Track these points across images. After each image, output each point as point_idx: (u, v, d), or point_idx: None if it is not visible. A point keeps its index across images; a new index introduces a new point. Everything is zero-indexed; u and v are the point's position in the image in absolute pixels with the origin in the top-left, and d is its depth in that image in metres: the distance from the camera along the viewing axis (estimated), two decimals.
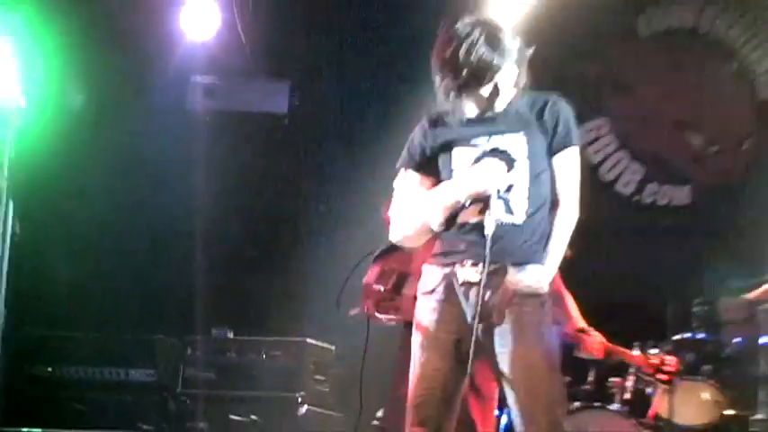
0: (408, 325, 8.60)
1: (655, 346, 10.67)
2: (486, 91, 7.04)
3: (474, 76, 6.93)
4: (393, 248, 9.43)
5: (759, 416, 10.99)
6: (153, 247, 13.01)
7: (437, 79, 7.09)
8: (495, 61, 6.96)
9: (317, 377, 11.26)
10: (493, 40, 7.00)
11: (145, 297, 12.90)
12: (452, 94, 7.00)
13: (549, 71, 8.92)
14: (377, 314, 9.67)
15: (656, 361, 10.60)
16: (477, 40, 6.96)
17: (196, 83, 13.03)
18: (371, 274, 9.76)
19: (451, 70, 6.95)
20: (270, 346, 11.81)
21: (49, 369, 12.18)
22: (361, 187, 10.75)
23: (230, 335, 12.17)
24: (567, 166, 7.07)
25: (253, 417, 11.49)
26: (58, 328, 12.55)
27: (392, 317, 9.63)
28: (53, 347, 12.41)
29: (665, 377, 10.67)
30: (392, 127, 9.35)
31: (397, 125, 8.40)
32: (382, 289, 9.62)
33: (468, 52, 6.91)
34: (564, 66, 11.67)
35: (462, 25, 7.07)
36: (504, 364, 6.84)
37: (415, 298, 7.92)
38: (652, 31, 13.22)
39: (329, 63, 13.17)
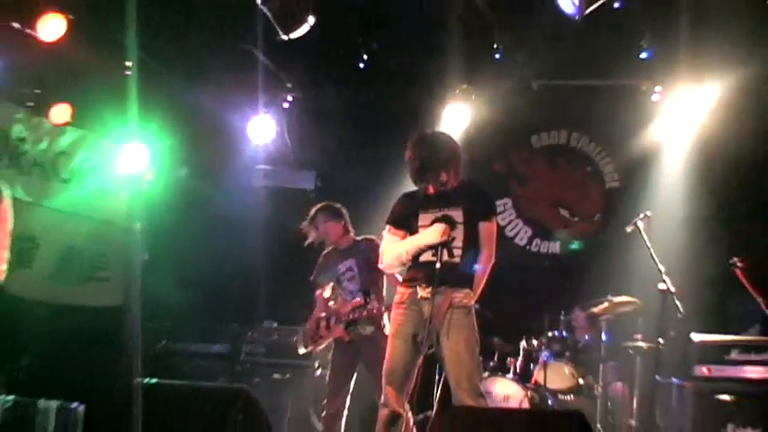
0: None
1: (536, 339, 11.80)
2: (436, 179, 8.20)
3: (426, 170, 8.13)
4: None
5: (599, 385, 11.61)
6: (227, 268, 13.77)
7: (408, 170, 8.30)
8: (440, 160, 8.13)
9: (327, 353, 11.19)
10: (439, 147, 8.21)
11: (222, 300, 13.73)
12: (417, 179, 8.23)
13: (476, 168, 10.00)
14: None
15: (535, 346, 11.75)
16: (430, 147, 8.21)
17: (258, 169, 13.71)
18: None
19: (413, 166, 8.18)
20: (296, 333, 11.73)
21: (164, 342, 13.11)
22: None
23: (274, 325, 13.07)
24: (488, 229, 8.17)
25: (287, 375, 12.46)
26: (170, 319, 13.40)
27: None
28: (167, 331, 13.29)
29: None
30: (386, 199, 9.88)
31: (391, 198, 8.86)
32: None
33: (422, 155, 8.13)
34: (485, 165, 12.18)
35: (420, 136, 8.32)
36: (444, 349, 7.92)
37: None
38: (540, 145, 13.95)
39: (341, 159, 13.83)
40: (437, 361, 8.52)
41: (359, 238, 10.48)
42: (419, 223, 8.21)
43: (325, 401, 9.93)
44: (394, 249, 8.33)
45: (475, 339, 8.09)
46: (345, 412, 9.85)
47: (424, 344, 8.08)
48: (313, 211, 10.63)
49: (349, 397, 9.93)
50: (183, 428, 7.10)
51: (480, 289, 8.29)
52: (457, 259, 8.06)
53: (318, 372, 11.34)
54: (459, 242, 8.08)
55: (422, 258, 8.11)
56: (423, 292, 8.00)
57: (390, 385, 8.11)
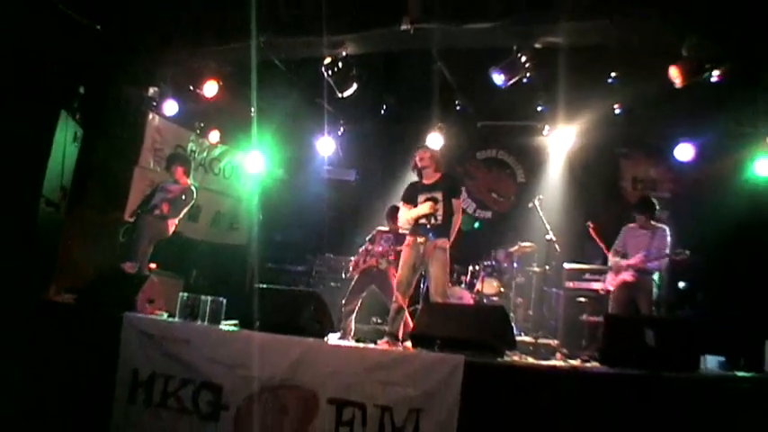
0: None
1: (478, 266, 11.71)
2: (424, 173, 8.51)
3: (416, 167, 8.46)
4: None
5: (512, 292, 11.76)
6: (306, 224, 13.84)
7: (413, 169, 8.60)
8: (421, 162, 8.49)
9: None
10: (434, 156, 8.54)
11: (303, 241, 13.79)
12: (418, 174, 8.54)
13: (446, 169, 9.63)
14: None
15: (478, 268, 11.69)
16: (417, 153, 8.53)
17: (325, 168, 13.79)
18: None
19: (419, 167, 8.51)
20: (348, 261, 11.56)
21: (270, 265, 13.10)
22: (377, 207, 11.49)
23: (331, 255, 12.86)
24: (457, 203, 8.34)
25: (339, 284, 12.07)
26: (273, 251, 13.44)
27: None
28: (272, 258, 13.21)
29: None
30: (397, 188, 9.95)
31: (401, 186, 9.07)
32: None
33: (415, 158, 8.47)
34: (450, 168, 11.11)
35: (423, 150, 8.63)
36: (431, 271, 8.15)
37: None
38: (482, 158, 13.88)
39: (370, 163, 14.01)
40: (425, 278, 8.91)
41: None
42: (418, 201, 8.48)
43: (344, 302, 9.85)
44: (405, 216, 8.59)
45: (447, 266, 8.34)
46: (356, 310, 9.81)
47: (419, 269, 8.38)
48: (390, 209, 10.34)
49: (360, 302, 9.87)
50: (279, 314, 7.12)
51: (452, 239, 8.47)
52: (440, 221, 8.32)
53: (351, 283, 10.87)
54: (440, 212, 8.34)
55: (420, 221, 8.35)
56: (420, 239, 8.25)
57: (398, 290, 8.36)
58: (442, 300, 8.16)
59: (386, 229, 10.39)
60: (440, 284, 8.22)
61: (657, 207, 9.95)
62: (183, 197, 10.38)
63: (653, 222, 9.79)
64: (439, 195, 8.43)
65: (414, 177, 8.86)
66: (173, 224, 10.35)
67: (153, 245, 10.23)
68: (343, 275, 10.54)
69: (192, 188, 10.61)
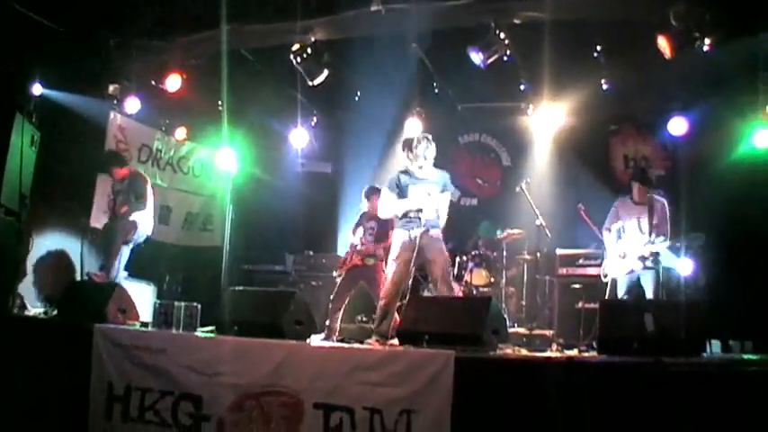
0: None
1: (465, 255, 11.58)
2: (422, 165, 8.40)
3: (418, 158, 8.32)
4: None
5: (509, 289, 11.55)
6: (282, 220, 13.55)
7: (405, 156, 8.52)
8: (427, 152, 8.35)
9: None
10: (427, 144, 8.40)
11: (280, 239, 13.58)
12: (411, 163, 8.42)
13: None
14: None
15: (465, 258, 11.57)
16: (422, 143, 8.38)
17: (299, 162, 13.67)
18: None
19: (410, 154, 8.42)
20: (328, 258, 12.38)
21: (247, 266, 13.01)
22: (356, 199, 10.73)
23: (310, 253, 12.75)
24: (446, 197, 8.40)
25: (320, 283, 12.10)
26: (250, 252, 13.28)
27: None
28: (248, 258, 13.11)
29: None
30: (373, 178, 9.98)
31: (376, 177, 9.18)
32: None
33: (418, 147, 8.33)
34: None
35: (419, 136, 8.50)
36: (431, 261, 8.22)
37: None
38: (464, 142, 13.93)
39: (346, 154, 13.77)
40: (419, 273, 9.10)
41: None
42: (410, 192, 8.41)
43: (331, 299, 9.81)
44: (391, 206, 8.52)
45: (446, 253, 8.51)
46: (343, 308, 9.76)
47: (414, 263, 8.33)
48: (368, 189, 10.31)
49: (347, 300, 9.85)
50: (258, 317, 7.18)
51: (442, 228, 8.54)
52: (434, 213, 8.33)
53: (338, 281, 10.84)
54: (433, 204, 8.34)
55: (412, 214, 8.31)
56: (416, 232, 8.20)
57: (393, 289, 8.32)
58: (448, 289, 8.27)
59: (366, 210, 10.30)
60: (446, 273, 8.39)
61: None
62: (133, 183, 10.45)
63: (650, 195, 9.69)
64: (434, 189, 8.44)
65: (396, 164, 8.83)
66: (146, 222, 10.34)
67: (124, 251, 10.17)
68: (334, 274, 10.44)
69: (137, 171, 10.86)
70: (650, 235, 9.44)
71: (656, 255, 9.43)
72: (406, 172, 8.61)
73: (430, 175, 8.54)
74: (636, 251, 9.50)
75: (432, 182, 8.48)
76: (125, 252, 10.18)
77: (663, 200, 9.66)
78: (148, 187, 10.55)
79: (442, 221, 8.58)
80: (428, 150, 8.48)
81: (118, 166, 10.65)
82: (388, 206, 8.60)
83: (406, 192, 8.44)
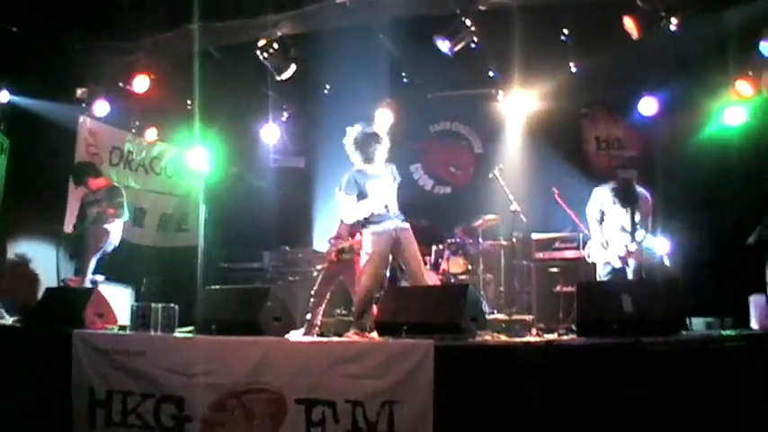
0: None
1: (442, 244, 11.58)
2: (375, 159, 8.28)
3: (372, 160, 8.23)
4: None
5: (487, 275, 11.49)
6: (257, 216, 13.35)
7: (356, 155, 8.31)
8: (379, 148, 8.22)
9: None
10: (378, 139, 8.27)
11: (255, 236, 13.35)
12: (364, 161, 8.25)
13: (399, 146, 9.45)
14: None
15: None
16: (373, 146, 8.24)
17: (271, 158, 13.62)
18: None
19: (361, 155, 8.29)
20: (305, 253, 12.48)
21: (225, 265, 12.92)
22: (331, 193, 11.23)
23: (286, 248, 12.70)
24: (396, 187, 8.31)
25: (297, 278, 12.04)
26: (226, 250, 13.26)
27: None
28: (225, 257, 13.09)
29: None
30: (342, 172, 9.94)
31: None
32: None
33: (374, 152, 8.22)
34: (405, 144, 11.79)
35: (369, 138, 8.29)
36: (408, 253, 8.14)
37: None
38: (435, 131, 13.87)
39: (318, 148, 13.16)
40: (395, 264, 8.85)
41: None
42: (368, 190, 8.22)
43: (313, 293, 9.74)
44: (355, 211, 8.30)
45: (416, 246, 8.32)
46: (324, 302, 9.70)
47: (390, 255, 8.25)
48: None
49: (328, 295, 9.77)
50: (235, 315, 7.21)
51: None
52: (393, 206, 8.27)
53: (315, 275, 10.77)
54: (391, 197, 8.28)
55: (380, 211, 8.17)
56: (389, 225, 8.12)
57: (373, 284, 8.12)
58: (424, 278, 8.25)
59: None
60: (421, 265, 8.35)
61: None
62: (111, 194, 10.42)
63: (633, 188, 9.75)
64: (388, 181, 8.33)
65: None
66: (117, 229, 10.30)
67: (99, 256, 10.13)
68: (318, 267, 10.45)
69: (115, 184, 10.78)
70: (632, 235, 9.55)
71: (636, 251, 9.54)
72: (360, 171, 8.40)
73: (380, 169, 8.39)
74: (617, 249, 9.61)
75: (383, 175, 8.34)
76: (93, 261, 10.12)
77: (646, 193, 9.74)
78: (124, 200, 10.55)
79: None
80: (380, 151, 8.36)
81: (93, 176, 10.59)
82: (352, 212, 8.38)
83: (366, 190, 8.26)
